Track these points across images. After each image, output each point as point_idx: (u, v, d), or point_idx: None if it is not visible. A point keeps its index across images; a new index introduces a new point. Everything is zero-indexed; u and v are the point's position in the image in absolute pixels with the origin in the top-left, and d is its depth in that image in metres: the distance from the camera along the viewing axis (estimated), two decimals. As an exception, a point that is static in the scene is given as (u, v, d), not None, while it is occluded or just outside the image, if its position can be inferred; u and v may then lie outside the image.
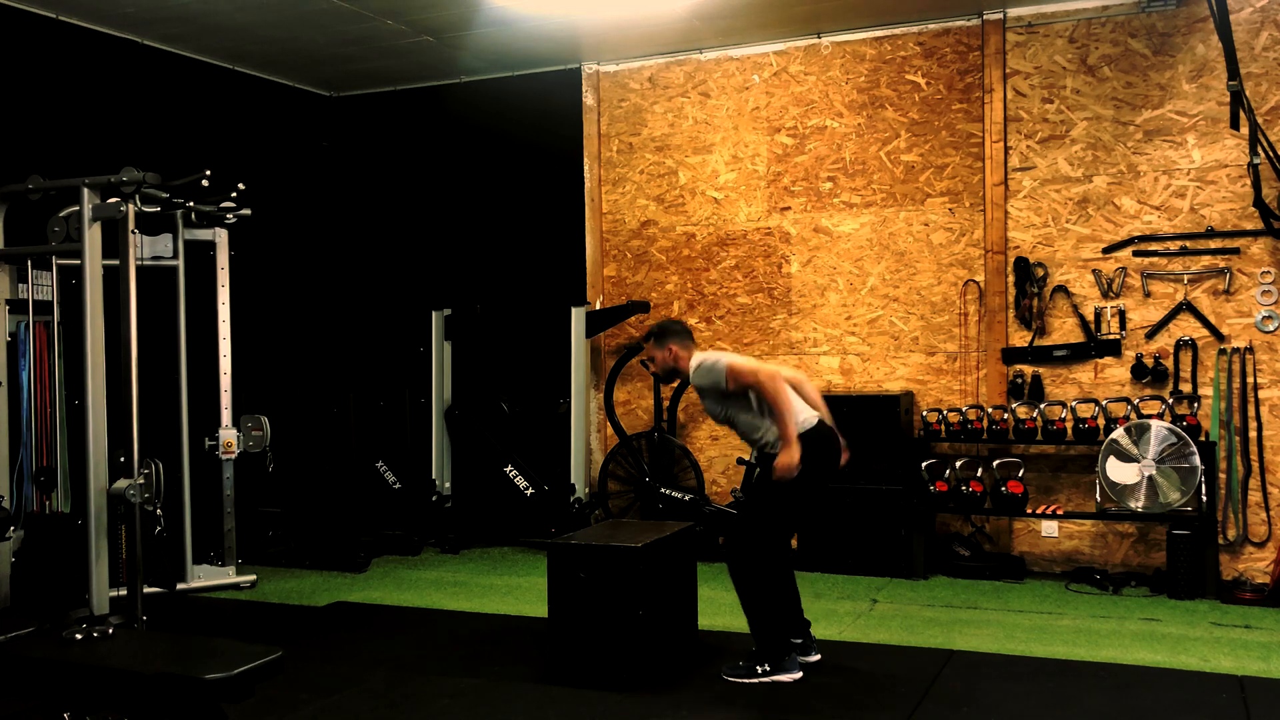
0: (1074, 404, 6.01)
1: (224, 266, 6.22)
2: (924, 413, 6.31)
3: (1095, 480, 5.85)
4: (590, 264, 7.35)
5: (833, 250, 6.74)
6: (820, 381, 6.75)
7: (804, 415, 4.41)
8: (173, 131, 6.76)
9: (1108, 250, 6.10)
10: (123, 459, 4.46)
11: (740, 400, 4.42)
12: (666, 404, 7.04)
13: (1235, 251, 5.85)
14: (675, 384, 6.97)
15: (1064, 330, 6.22)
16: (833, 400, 6.34)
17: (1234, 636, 4.88)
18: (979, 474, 6.14)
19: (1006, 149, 6.30)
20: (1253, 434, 5.81)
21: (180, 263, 5.99)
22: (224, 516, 6.18)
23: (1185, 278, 5.96)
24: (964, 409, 6.25)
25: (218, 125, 7.13)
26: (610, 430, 7.21)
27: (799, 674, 4.35)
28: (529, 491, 7.07)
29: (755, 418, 4.42)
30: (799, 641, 4.51)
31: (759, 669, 4.32)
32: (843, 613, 5.41)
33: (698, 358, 4.51)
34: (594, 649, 4.35)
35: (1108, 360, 6.11)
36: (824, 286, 6.77)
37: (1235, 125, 5.25)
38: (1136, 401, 5.91)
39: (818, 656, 4.56)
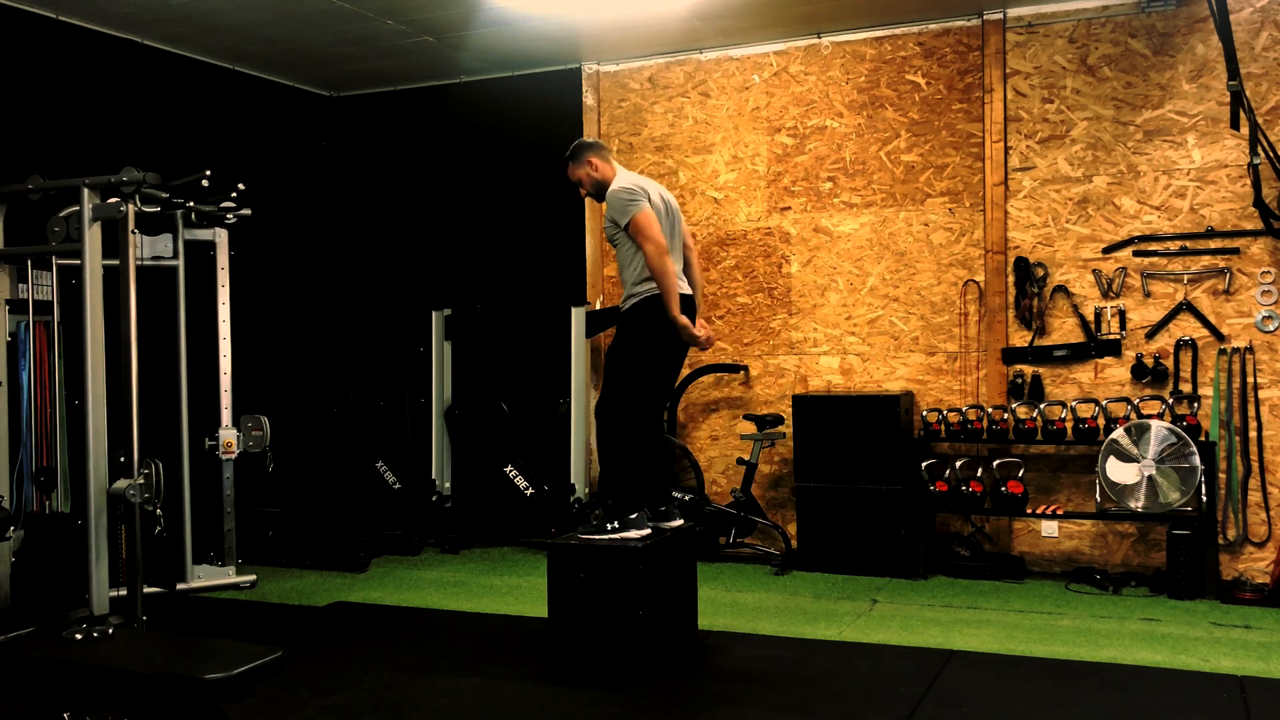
0: (1074, 404, 6.01)
1: (224, 266, 6.22)
2: (924, 413, 6.31)
3: (1095, 480, 5.85)
4: (590, 264, 7.35)
5: (833, 250, 6.74)
6: (820, 381, 6.75)
7: (680, 288, 4.59)
8: (173, 131, 6.76)
9: (1108, 250, 6.10)
10: (123, 459, 4.46)
11: (629, 243, 4.54)
12: (666, 404, 7.03)
13: (1235, 251, 5.85)
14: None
15: (1064, 330, 6.22)
16: (833, 400, 6.40)
17: (1234, 636, 4.88)
18: (979, 474, 6.14)
19: (1006, 149, 6.30)
20: (1253, 434, 5.81)
21: (180, 263, 5.99)
22: (224, 516, 6.18)
23: (1185, 278, 5.96)
24: (964, 409, 6.25)
25: (218, 125, 7.12)
26: (610, 430, 7.20)
27: (646, 531, 4.49)
28: (529, 491, 7.07)
29: (631, 262, 4.57)
30: (663, 509, 4.69)
31: (609, 525, 4.48)
32: (843, 613, 5.41)
33: (622, 179, 4.61)
34: (594, 649, 4.35)
35: (1108, 360, 6.12)
36: (824, 286, 6.77)
37: (1235, 125, 5.25)
38: (1136, 401, 5.91)
39: (680, 522, 4.75)
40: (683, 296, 4.58)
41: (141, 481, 4.42)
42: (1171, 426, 5.64)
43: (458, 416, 7.38)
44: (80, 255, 4.58)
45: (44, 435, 5.56)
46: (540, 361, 7.39)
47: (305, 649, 4.83)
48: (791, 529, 6.59)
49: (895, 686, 4.24)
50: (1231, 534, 5.84)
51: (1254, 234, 5.80)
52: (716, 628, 5.11)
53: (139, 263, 4.81)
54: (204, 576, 6.06)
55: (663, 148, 7.16)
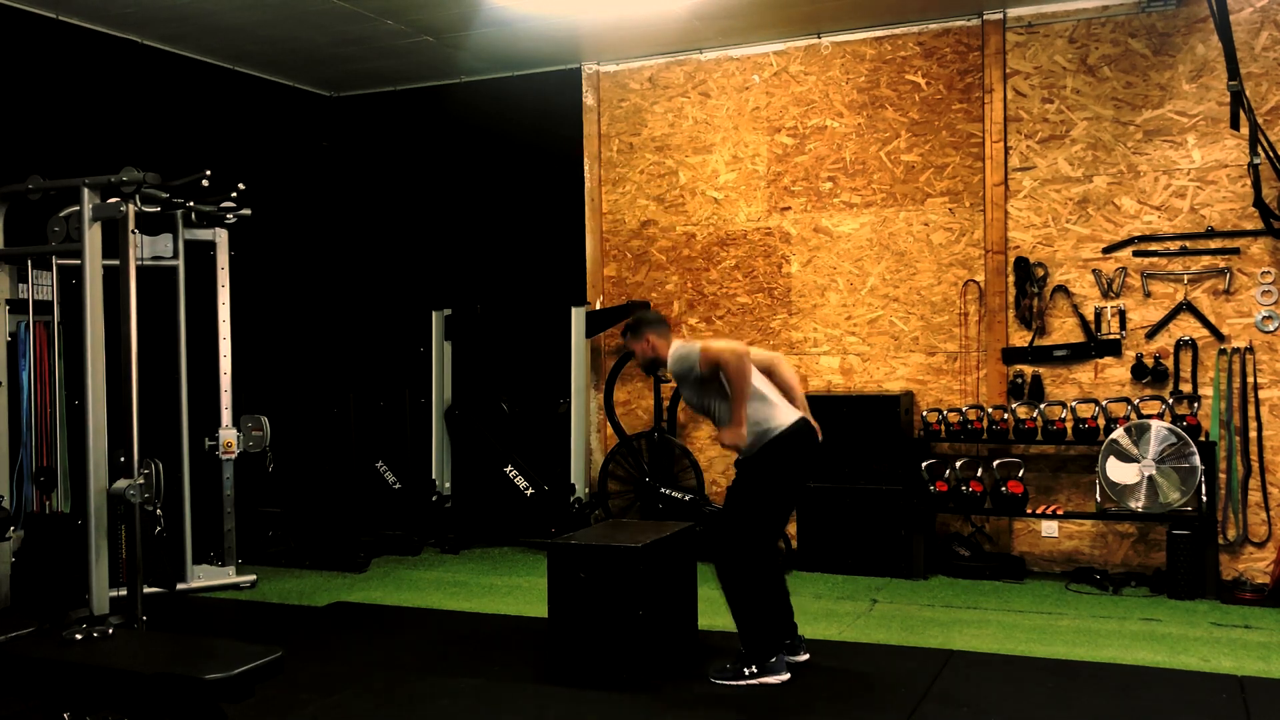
0: (1074, 404, 6.01)
1: (224, 266, 6.22)
2: (924, 413, 6.31)
3: (1095, 480, 5.85)
4: (590, 264, 7.35)
5: (833, 250, 6.74)
6: (820, 381, 6.75)
7: (784, 414, 4.38)
8: (173, 131, 6.76)
9: (1108, 250, 6.10)
10: (123, 459, 4.46)
11: (717, 388, 4.38)
12: (666, 404, 7.03)
13: (1235, 251, 5.85)
14: (672, 383, 6.98)
15: (1064, 330, 6.22)
16: (833, 400, 6.40)
17: (1234, 636, 4.88)
18: (979, 474, 6.14)
19: (1006, 149, 6.30)
20: (1253, 434, 5.81)
21: (180, 263, 5.99)
22: (224, 516, 6.18)
23: (1185, 278, 5.96)
24: (964, 409, 6.25)
25: (218, 125, 7.12)
26: (610, 430, 7.21)
27: (786, 675, 4.33)
28: (529, 491, 7.07)
29: (728, 407, 4.38)
30: (788, 642, 4.50)
31: (746, 671, 4.30)
32: (843, 613, 5.41)
33: (676, 346, 4.49)
34: (594, 649, 4.35)
35: (1108, 360, 6.11)
36: (824, 286, 6.77)
37: (1235, 125, 5.25)
38: (1136, 401, 5.91)
39: (806, 656, 4.55)
40: (801, 424, 4.40)
41: (141, 481, 4.43)
42: (1171, 426, 5.64)
43: (458, 416, 7.38)
44: (80, 255, 4.58)
45: (44, 435, 5.56)
46: (540, 361, 7.39)
47: (305, 649, 4.83)
48: (791, 529, 6.59)
49: (895, 686, 4.24)
50: (1231, 534, 5.84)
51: (1254, 234, 5.80)
52: (716, 628, 5.09)
53: (139, 263, 4.81)
54: (204, 576, 6.06)
55: (663, 148, 7.16)
